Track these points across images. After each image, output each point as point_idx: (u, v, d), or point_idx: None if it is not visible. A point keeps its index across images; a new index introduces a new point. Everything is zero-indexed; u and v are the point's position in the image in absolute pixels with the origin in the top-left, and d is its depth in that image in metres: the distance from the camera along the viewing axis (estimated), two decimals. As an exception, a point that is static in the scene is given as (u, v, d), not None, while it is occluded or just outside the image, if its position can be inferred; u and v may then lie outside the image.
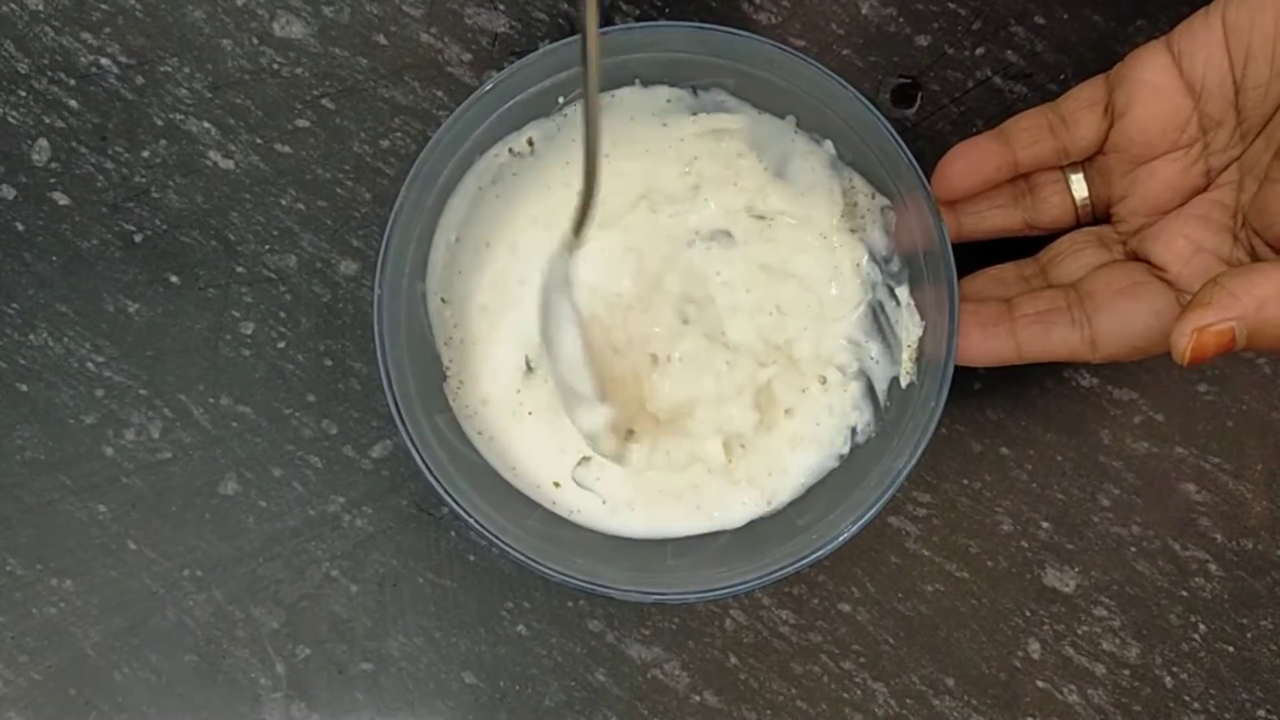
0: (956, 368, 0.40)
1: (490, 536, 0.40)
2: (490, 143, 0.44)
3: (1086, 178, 0.43)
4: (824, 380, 0.44)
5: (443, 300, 0.44)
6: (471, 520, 0.40)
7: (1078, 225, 0.43)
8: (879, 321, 0.45)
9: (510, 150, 0.44)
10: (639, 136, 0.45)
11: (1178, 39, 0.39)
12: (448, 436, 0.43)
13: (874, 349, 0.44)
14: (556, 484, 0.44)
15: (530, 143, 0.45)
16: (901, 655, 0.46)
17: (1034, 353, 0.40)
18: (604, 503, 0.44)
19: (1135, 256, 0.41)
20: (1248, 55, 0.38)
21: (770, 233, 0.45)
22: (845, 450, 0.44)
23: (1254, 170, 0.39)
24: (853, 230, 0.45)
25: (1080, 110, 0.41)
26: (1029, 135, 0.42)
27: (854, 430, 0.44)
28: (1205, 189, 0.40)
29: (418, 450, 0.40)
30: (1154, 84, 0.40)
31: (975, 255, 0.45)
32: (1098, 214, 0.43)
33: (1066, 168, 0.43)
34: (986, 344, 0.41)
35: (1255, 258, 0.38)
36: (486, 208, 0.44)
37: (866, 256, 0.45)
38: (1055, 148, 0.42)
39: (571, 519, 0.44)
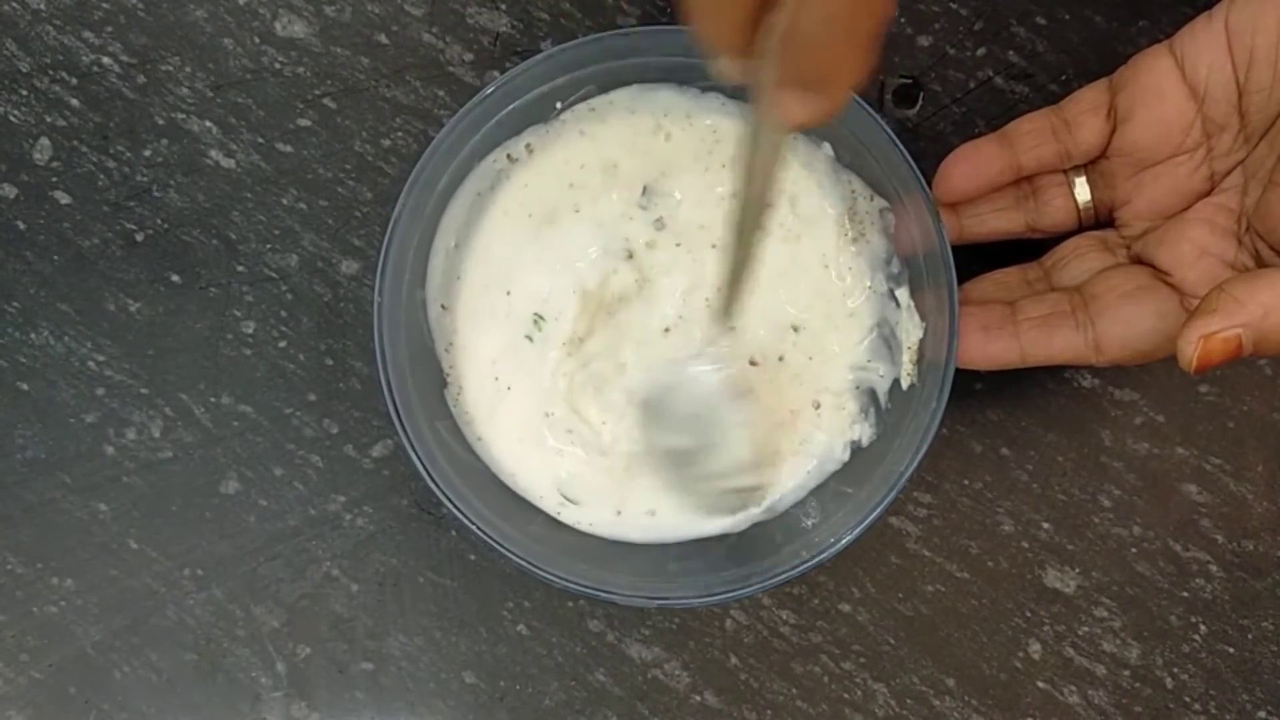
0: (957, 368, 0.40)
1: (493, 542, 0.40)
2: (489, 148, 0.44)
3: (1089, 181, 0.43)
4: (817, 405, 0.44)
5: (443, 307, 0.44)
6: (474, 527, 0.40)
7: (1080, 228, 0.43)
8: (881, 327, 0.44)
9: (508, 156, 0.44)
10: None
11: (1180, 43, 0.39)
12: (449, 443, 0.43)
13: (880, 367, 0.44)
14: (563, 501, 0.44)
15: (528, 148, 0.45)
16: (902, 655, 0.46)
17: (1037, 356, 0.40)
18: (619, 513, 0.44)
19: (1139, 260, 0.41)
20: (1251, 59, 0.38)
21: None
22: (845, 457, 0.44)
23: (1258, 174, 0.39)
24: (855, 240, 0.44)
25: (1083, 114, 0.41)
26: (1031, 138, 0.42)
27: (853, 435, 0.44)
28: (1209, 193, 0.40)
29: (419, 458, 0.40)
30: (1157, 88, 0.39)
31: (978, 258, 0.45)
32: (1100, 217, 0.43)
33: (1069, 171, 0.43)
34: (989, 347, 0.41)
35: (1260, 261, 0.38)
36: (484, 214, 0.44)
37: (870, 278, 0.44)
38: (1058, 151, 0.42)
39: (577, 527, 0.44)
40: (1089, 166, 0.43)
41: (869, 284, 0.44)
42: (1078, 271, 0.42)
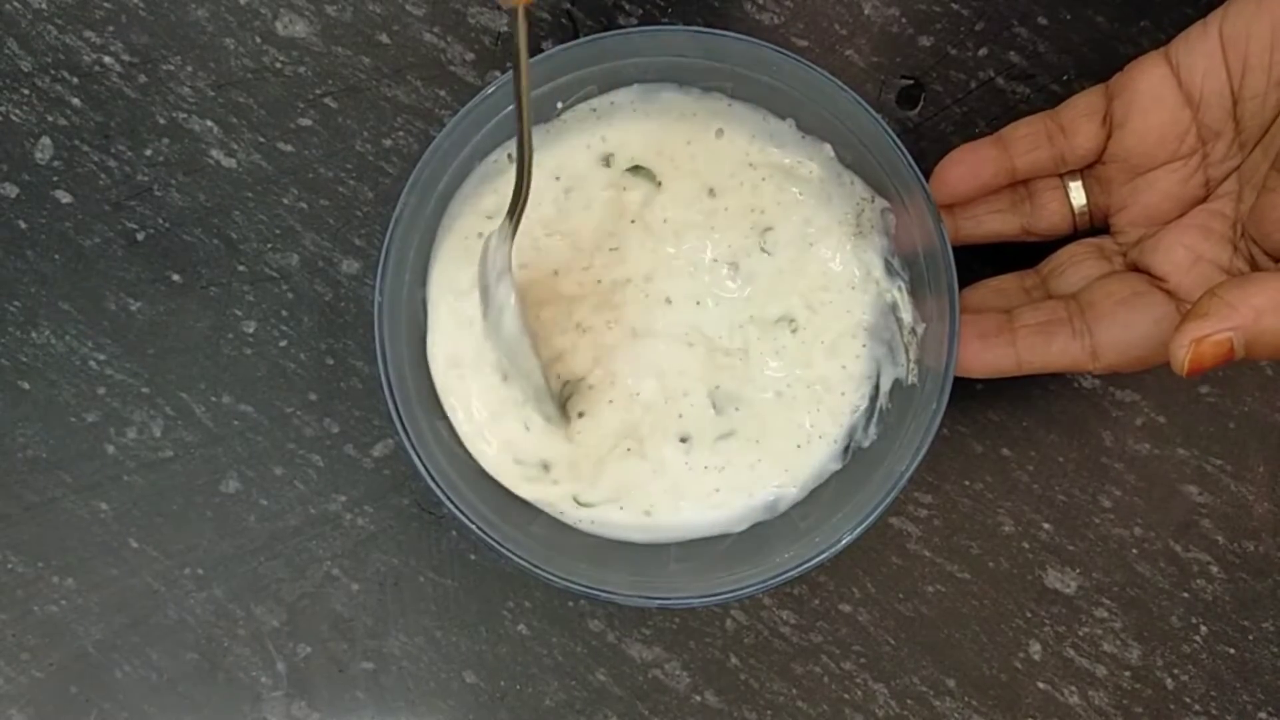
0: (957, 372, 0.41)
1: (493, 542, 0.40)
2: (489, 148, 0.44)
3: (1085, 186, 0.43)
4: (819, 406, 0.44)
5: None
6: (474, 526, 0.40)
7: (1075, 233, 0.44)
8: (882, 328, 0.44)
9: (509, 156, 0.44)
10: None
11: (1176, 50, 0.39)
12: (449, 442, 0.43)
13: (881, 367, 0.44)
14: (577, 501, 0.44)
15: None
16: (902, 656, 0.46)
17: (1034, 363, 0.40)
18: (621, 509, 0.44)
19: (1135, 268, 0.41)
20: (1245, 66, 0.38)
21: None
22: (846, 457, 0.44)
23: (1252, 180, 0.39)
24: (858, 240, 0.44)
25: (1079, 119, 0.41)
26: (1027, 142, 0.42)
27: (853, 434, 0.44)
28: (1205, 200, 0.41)
29: (420, 457, 0.40)
30: (1153, 94, 0.40)
31: (978, 259, 0.45)
32: (1095, 222, 0.43)
33: (1065, 175, 0.43)
34: (986, 355, 0.41)
35: (1255, 267, 0.38)
36: (485, 214, 0.44)
37: (871, 278, 0.44)
38: (1053, 155, 0.42)
39: (578, 527, 0.44)
40: (1084, 172, 0.43)
41: (871, 284, 0.44)
42: (1074, 279, 0.42)
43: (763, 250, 0.44)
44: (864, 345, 0.44)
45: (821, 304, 0.44)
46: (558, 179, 0.44)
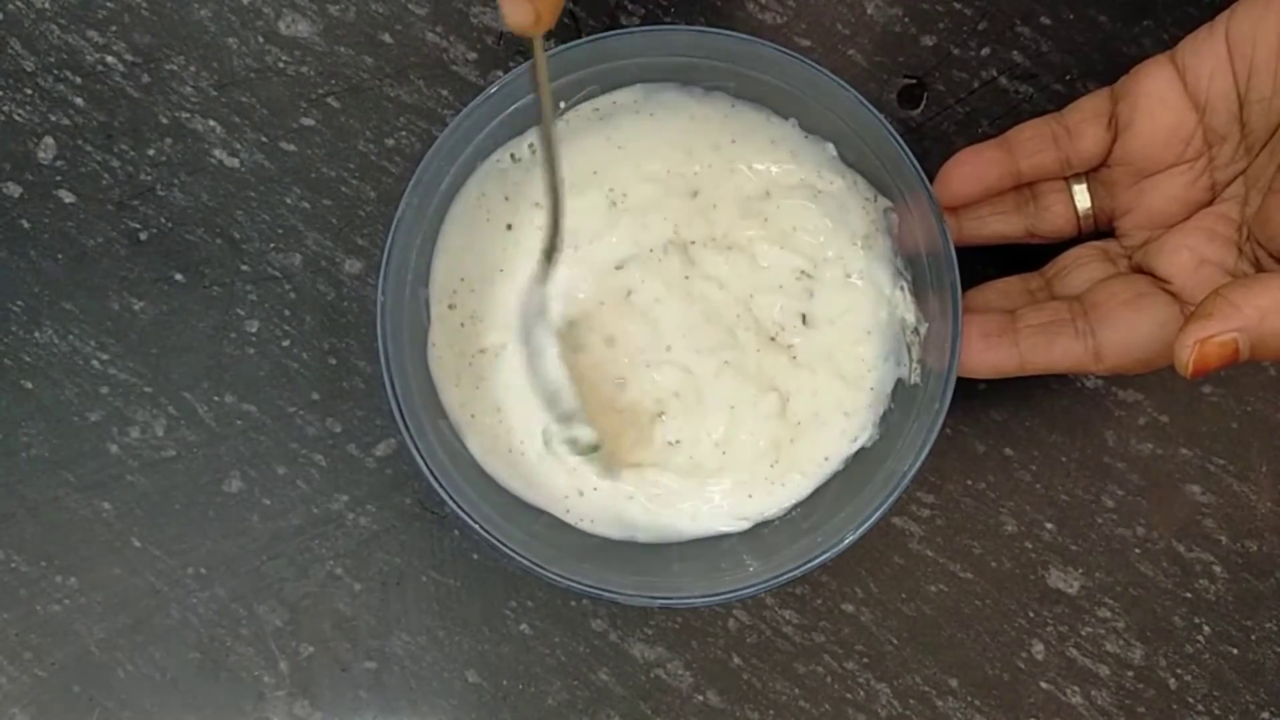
0: (959, 371, 0.40)
1: (496, 542, 0.40)
2: (492, 148, 0.44)
3: (1090, 189, 0.43)
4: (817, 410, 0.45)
5: (449, 307, 0.44)
6: (477, 526, 0.40)
7: (1079, 236, 0.43)
8: (886, 328, 0.44)
9: (511, 156, 0.44)
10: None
11: (1182, 53, 0.39)
12: (452, 442, 0.43)
13: (886, 367, 0.44)
14: (581, 492, 0.44)
15: (532, 148, 0.44)
16: (905, 656, 0.46)
17: (1037, 364, 0.40)
18: (630, 497, 0.44)
19: (1140, 270, 0.41)
20: (1251, 69, 0.38)
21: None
22: (849, 458, 0.44)
23: (1259, 184, 0.39)
24: (862, 241, 0.44)
25: (1084, 122, 0.41)
26: (1032, 145, 0.42)
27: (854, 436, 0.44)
28: (1210, 203, 0.40)
29: (422, 457, 0.40)
30: (1158, 97, 0.40)
31: (979, 261, 0.45)
32: (1100, 225, 0.43)
33: (1070, 178, 0.43)
34: (989, 354, 0.41)
35: (1260, 270, 0.38)
36: (487, 214, 0.44)
37: (874, 278, 0.44)
38: (1058, 158, 0.42)
39: (579, 527, 0.44)
40: (1090, 174, 0.43)
41: (873, 284, 0.44)
42: (1079, 281, 0.42)
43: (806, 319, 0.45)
44: (873, 370, 0.44)
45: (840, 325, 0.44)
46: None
